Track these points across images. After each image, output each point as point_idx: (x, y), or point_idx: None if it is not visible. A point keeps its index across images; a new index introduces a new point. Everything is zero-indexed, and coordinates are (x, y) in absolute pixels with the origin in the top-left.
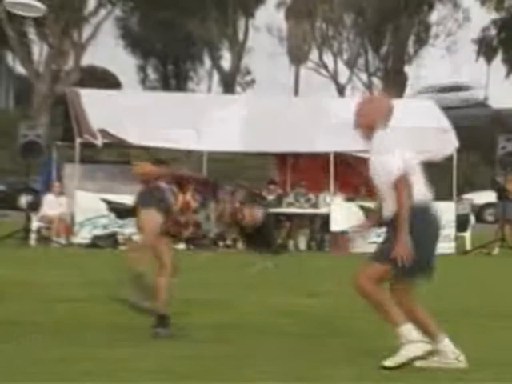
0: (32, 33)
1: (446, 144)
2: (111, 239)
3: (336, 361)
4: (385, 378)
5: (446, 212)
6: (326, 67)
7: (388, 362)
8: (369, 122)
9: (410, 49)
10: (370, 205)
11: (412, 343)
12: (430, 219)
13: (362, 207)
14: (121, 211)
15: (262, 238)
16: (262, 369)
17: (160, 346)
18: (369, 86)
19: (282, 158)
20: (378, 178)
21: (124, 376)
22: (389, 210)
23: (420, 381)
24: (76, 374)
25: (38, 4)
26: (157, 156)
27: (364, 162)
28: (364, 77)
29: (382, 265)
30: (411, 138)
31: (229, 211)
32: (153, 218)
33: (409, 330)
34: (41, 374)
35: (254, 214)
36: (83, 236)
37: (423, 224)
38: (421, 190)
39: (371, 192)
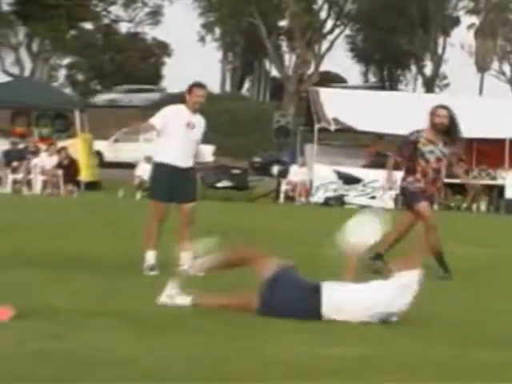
0: (284, 46)
1: None
2: (339, 200)
3: None
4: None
5: None
6: (504, 74)
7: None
8: None
9: None
10: None
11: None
12: None
13: None
14: (347, 179)
15: None
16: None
17: None
18: None
19: (469, 142)
20: None
21: None
22: None
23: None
24: None
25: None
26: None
27: None
28: None
29: None
30: None
31: None
32: None
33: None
34: None
35: None
36: (318, 197)
37: None
38: None
39: None
